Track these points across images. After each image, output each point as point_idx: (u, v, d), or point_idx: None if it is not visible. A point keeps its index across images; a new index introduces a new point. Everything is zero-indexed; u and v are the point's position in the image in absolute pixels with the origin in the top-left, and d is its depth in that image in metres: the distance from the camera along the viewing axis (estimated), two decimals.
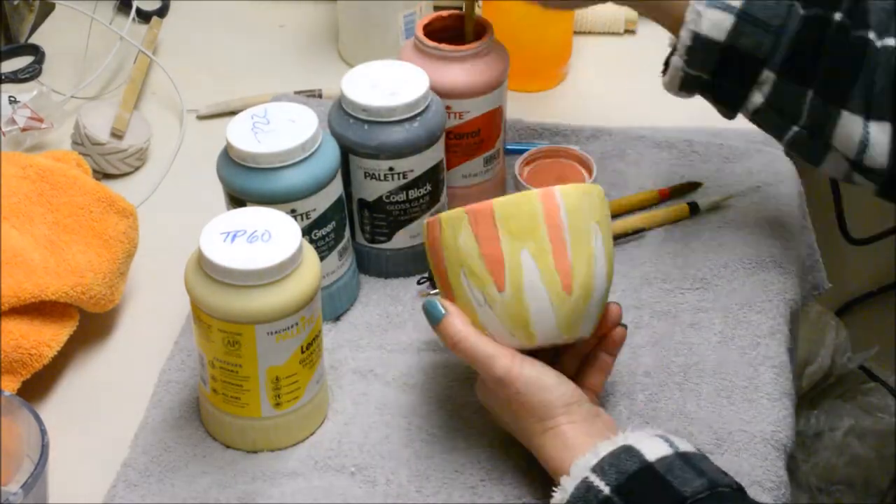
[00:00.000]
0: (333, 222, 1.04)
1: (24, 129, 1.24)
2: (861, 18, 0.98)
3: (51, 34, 1.46)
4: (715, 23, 0.99)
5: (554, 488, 0.88)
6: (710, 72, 1.02)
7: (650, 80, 1.37)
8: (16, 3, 1.42)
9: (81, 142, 1.23)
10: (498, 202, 0.91)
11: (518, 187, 1.21)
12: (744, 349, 1.04)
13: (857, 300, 1.90)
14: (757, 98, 1.01)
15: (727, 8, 0.98)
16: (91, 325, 1.08)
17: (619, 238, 1.15)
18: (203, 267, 0.92)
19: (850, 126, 0.98)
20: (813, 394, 1.86)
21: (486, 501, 0.94)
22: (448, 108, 1.11)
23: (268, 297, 0.91)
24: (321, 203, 1.02)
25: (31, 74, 1.38)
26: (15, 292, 0.99)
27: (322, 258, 1.01)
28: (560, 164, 1.23)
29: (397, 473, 0.96)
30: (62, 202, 1.05)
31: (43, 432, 0.89)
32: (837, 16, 0.98)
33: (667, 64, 1.05)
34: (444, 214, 0.92)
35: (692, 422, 0.99)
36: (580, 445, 0.88)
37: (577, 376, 0.96)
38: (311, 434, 0.99)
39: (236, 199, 1.01)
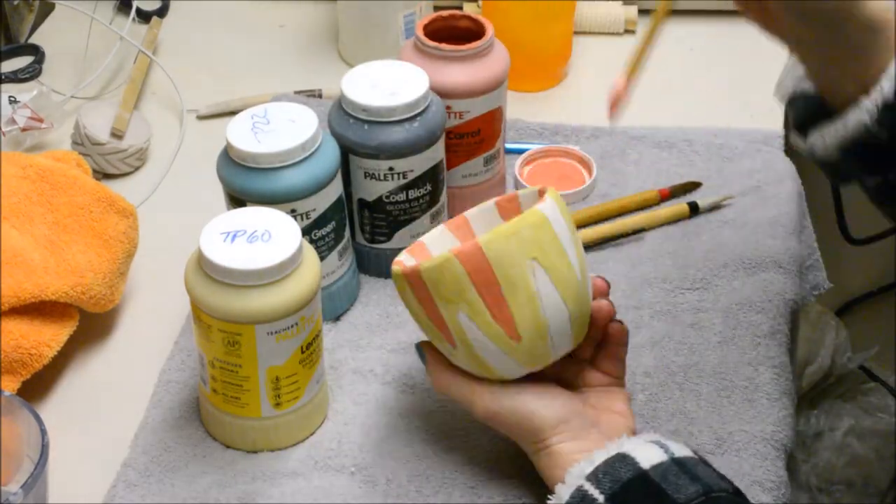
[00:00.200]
0: (333, 222, 1.04)
1: (24, 129, 1.24)
2: None
3: (51, 34, 1.46)
4: None
5: (549, 496, 0.88)
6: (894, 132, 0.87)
7: (650, 80, 1.37)
8: (16, 3, 1.42)
9: (81, 142, 1.23)
10: (424, 267, 0.88)
11: (518, 187, 1.21)
12: (744, 349, 1.04)
13: (857, 300, 1.90)
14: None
15: None
16: (91, 325, 1.08)
17: (619, 238, 1.15)
18: (203, 267, 0.92)
19: None
20: (813, 394, 1.86)
21: (486, 501, 0.94)
22: (448, 108, 1.11)
23: (268, 297, 0.91)
24: (321, 203, 1.02)
25: (31, 74, 1.38)
26: (15, 292, 0.99)
27: (322, 258, 1.01)
28: (560, 164, 1.23)
29: (397, 473, 0.96)
30: (62, 202, 1.05)
31: (43, 432, 0.89)
32: None
33: (804, 125, 0.93)
34: (394, 271, 0.91)
35: (692, 422, 0.99)
36: (571, 462, 0.88)
37: (593, 362, 0.95)
38: (311, 434, 0.99)
39: (236, 199, 1.01)
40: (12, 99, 1.28)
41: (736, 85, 1.35)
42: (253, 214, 0.95)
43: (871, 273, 1.88)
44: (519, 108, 1.29)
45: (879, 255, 1.82)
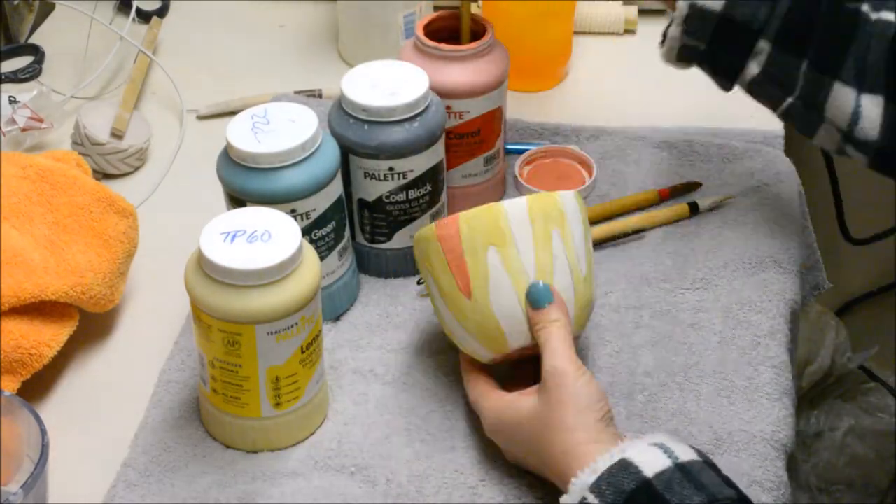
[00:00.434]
0: (333, 222, 1.04)
1: (24, 129, 1.24)
2: None
3: (51, 34, 1.46)
4: None
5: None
6: (706, 41, 1.02)
7: (650, 80, 1.37)
8: (16, 3, 1.42)
9: (81, 142, 1.23)
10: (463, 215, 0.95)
11: (518, 187, 1.21)
12: (744, 349, 1.04)
13: (857, 300, 1.90)
14: (753, 69, 1.02)
15: None
16: (91, 325, 1.08)
17: (619, 238, 1.15)
18: (203, 267, 0.92)
19: (843, 98, 0.99)
20: (813, 394, 1.86)
21: (486, 501, 0.94)
22: (448, 108, 1.11)
23: (268, 297, 0.91)
24: (321, 203, 1.02)
25: (31, 74, 1.38)
26: (15, 292, 0.99)
27: (322, 258, 1.01)
28: (560, 164, 1.23)
29: (397, 473, 0.96)
30: (62, 202, 1.05)
31: (43, 432, 0.89)
32: None
33: (665, 35, 1.06)
34: (420, 233, 0.98)
35: (692, 422, 0.99)
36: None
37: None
38: (311, 434, 0.99)
39: (236, 199, 1.01)
40: (12, 99, 1.28)
41: None
42: (253, 214, 0.95)
43: (871, 273, 1.88)
44: (519, 108, 1.29)
45: (879, 255, 1.82)
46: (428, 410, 1.01)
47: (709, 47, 1.03)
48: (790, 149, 1.26)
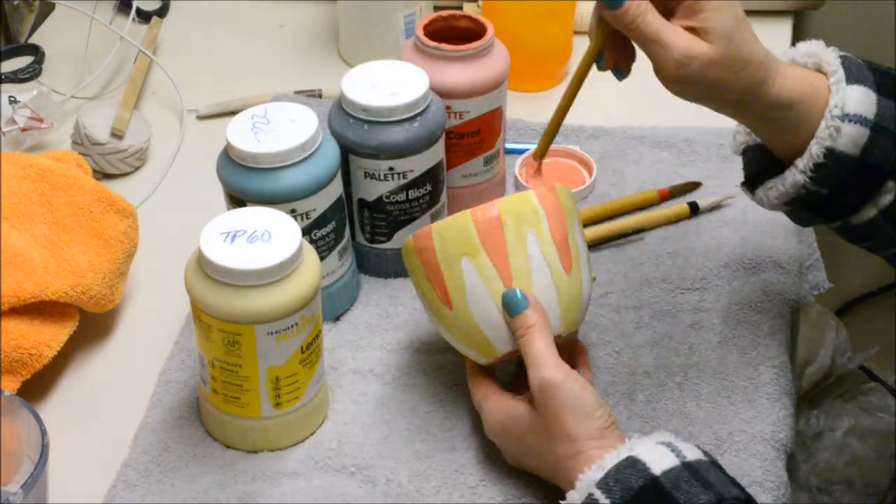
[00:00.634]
0: (333, 222, 1.04)
1: (24, 129, 1.24)
2: None
3: (51, 34, 1.46)
4: (853, 138, 0.92)
5: (561, 502, 0.87)
6: (833, 187, 0.94)
7: (650, 80, 1.37)
8: (16, 3, 1.42)
9: (81, 142, 1.23)
10: (435, 226, 0.95)
11: (518, 187, 1.21)
12: (744, 349, 1.04)
13: (857, 300, 1.90)
14: (870, 211, 0.96)
15: (864, 122, 0.92)
16: (91, 325, 1.08)
17: (619, 238, 1.15)
18: (203, 267, 0.92)
19: None
20: (813, 394, 1.86)
21: (486, 501, 0.94)
22: (448, 108, 1.11)
23: (268, 297, 0.91)
24: (321, 203, 1.02)
25: (31, 74, 1.38)
26: (15, 292, 0.99)
27: (322, 258, 1.01)
28: (560, 164, 1.23)
29: (397, 473, 0.96)
30: (62, 202, 1.05)
31: (43, 432, 0.89)
32: None
33: (751, 181, 1.00)
34: (404, 245, 0.98)
35: (692, 422, 0.99)
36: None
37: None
38: (311, 434, 0.99)
39: (236, 199, 1.01)
40: (12, 99, 1.28)
41: None
42: (253, 214, 0.95)
43: (871, 273, 1.87)
44: (519, 108, 1.29)
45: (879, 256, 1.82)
46: (428, 410, 1.01)
47: (831, 193, 0.95)
48: None
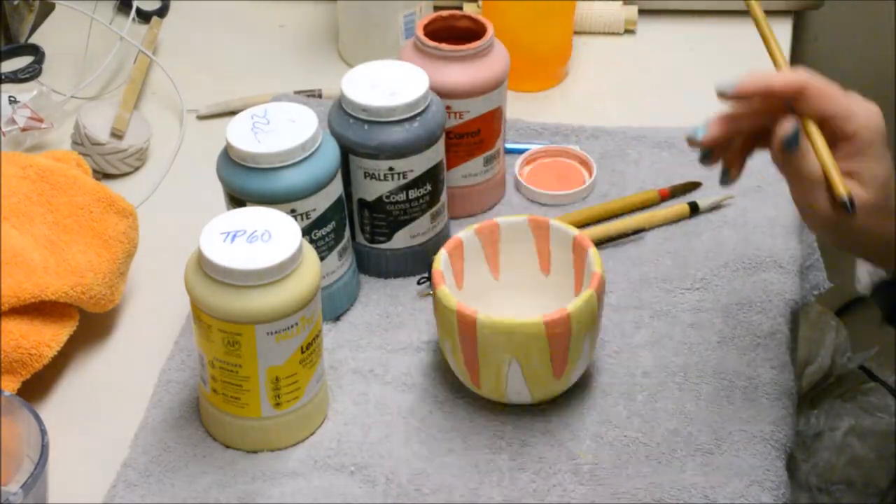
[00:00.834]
0: (333, 222, 1.04)
1: (24, 129, 1.24)
2: None
3: (51, 34, 1.46)
4: None
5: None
6: None
7: (650, 80, 1.37)
8: (16, 3, 1.42)
9: (81, 142, 1.23)
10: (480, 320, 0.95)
11: (518, 187, 1.21)
12: (744, 349, 1.04)
13: (857, 300, 1.90)
14: None
15: None
16: (91, 325, 1.08)
17: (619, 238, 1.15)
18: (203, 267, 0.92)
19: None
20: (813, 394, 1.85)
21: (486, 501, 0.94)
22: (448, 108, 1.11)
23: (268, 297, 0.91)
24: (321, 203, 1.02)
25: (31, 74, 1.38)
26: (15, 292, 0.99)
27: (322, 258, 1.01)
28: (560, 164, 1.23)
29: (397, 473, 0.96)
30: (62, 202, 1.05)
31: (43, 432, 0.89)
32: None
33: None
34: (442, 293, 0.98)
35: (692, 422, 0.99)
36: None
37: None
38: (311, 434, 0.99)
39: (236, 199, 1.01)
40: (12, 99, 1.28)
41: None
42: (253, 214, 0.95)
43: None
44: (519, 108, 1.29)
45: None
46: (427, 410, 1.01)
47: None
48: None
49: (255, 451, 0.98)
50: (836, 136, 0.87)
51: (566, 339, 0.95)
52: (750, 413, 0.99)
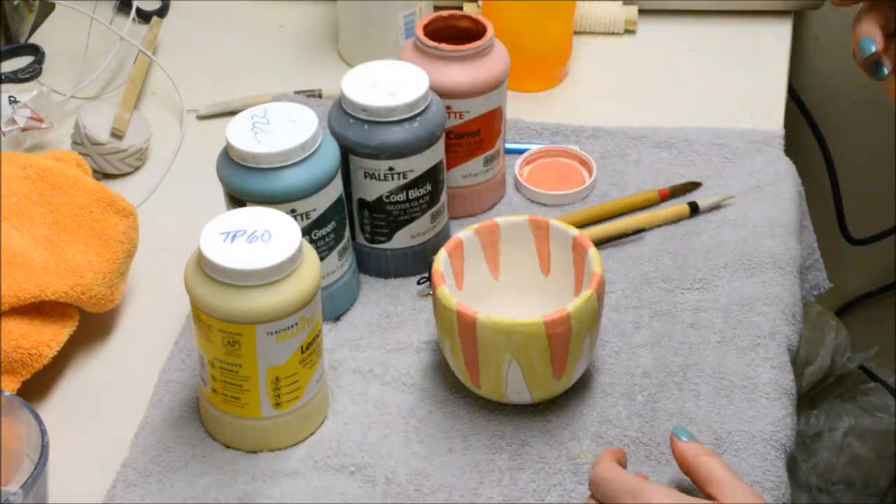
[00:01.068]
0: (333, 222, 1.04)
1: (24, 129, 1.24)
2: None
3: (51, 34, 1.46)
4: None
5: None
6: None
7: (650, 80, 1.37)
8: (16, 3, 1.42)
9: (81, 142, 1.23)
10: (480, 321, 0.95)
11: (518, 187, 1.21)
12: (744, 349, 1.04)
13: (857, 300, 1.90)
14: None
15: None
16: (91, 325, 1.08)
17: (619, 238, 1.15)
18: (203, 267, 0.92)
19: None
20: (813, 394, 1.85)
21: (486, 501, 0.94)
22: (448, 108, 1.11)
23: (268, 297, 0.91)
24: (321, 203, 1.02)
25: (31, 74, 1.38)
26: (15, 292, 0.99)
27: (322, 258, 1.01)
28: (560, 163, 1.23)
29: (397, 473, 0.96)
30: (62, 202, 1.05)
31: (43, 432, 0.89)
32: None
33: None
34: (443, 294, 0.97)
35: (692, 422, 0.99)
36: None
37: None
38: (311, 434, 0.99)
39: (236, 199, 1.01)
40: (12, 99, 1.28)
41: (736, 85, 1.35)
42: (253, 214, 0.95)
43: (871, 273, 1.88)
44: (519, 108, 1.29)
45: (879, 255, 1.82)
46: (427, 410, 1.01)
47: None
48: (790, 149, 1.26)
49: (255, 451, 0.98)
50: None
51: (566, 339, 0.95)
52: (750, 413, 0.99)
